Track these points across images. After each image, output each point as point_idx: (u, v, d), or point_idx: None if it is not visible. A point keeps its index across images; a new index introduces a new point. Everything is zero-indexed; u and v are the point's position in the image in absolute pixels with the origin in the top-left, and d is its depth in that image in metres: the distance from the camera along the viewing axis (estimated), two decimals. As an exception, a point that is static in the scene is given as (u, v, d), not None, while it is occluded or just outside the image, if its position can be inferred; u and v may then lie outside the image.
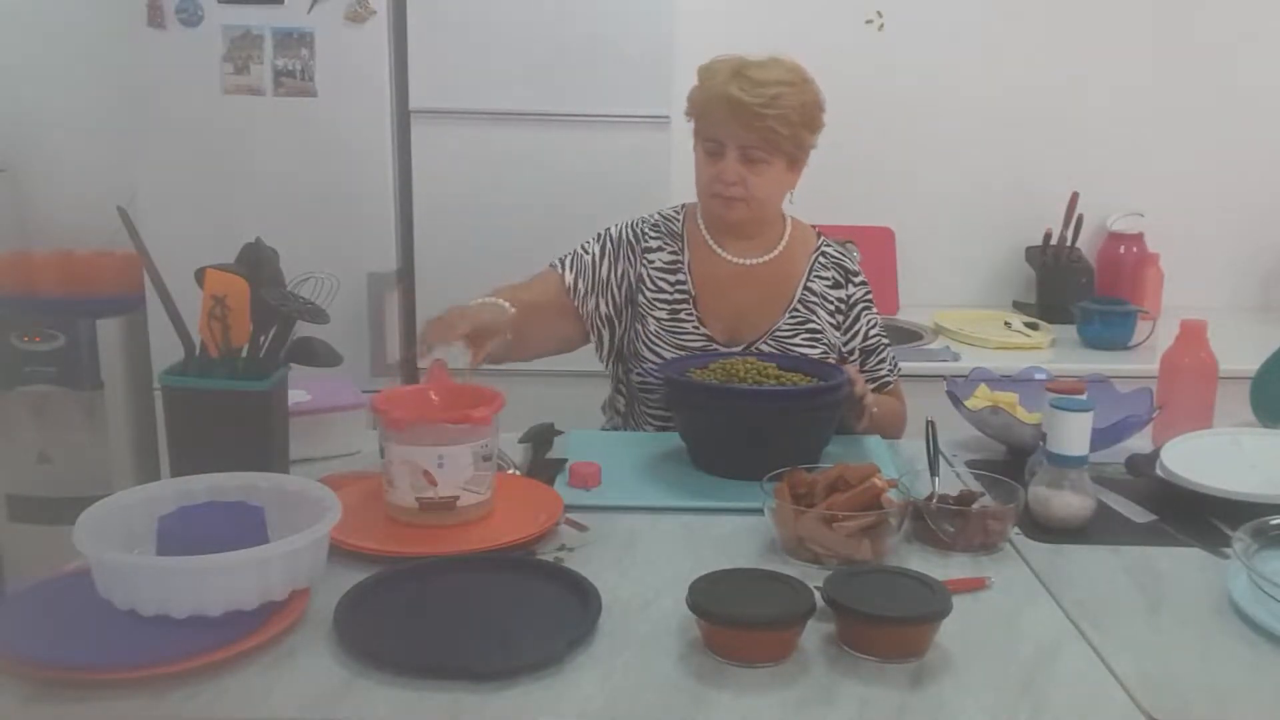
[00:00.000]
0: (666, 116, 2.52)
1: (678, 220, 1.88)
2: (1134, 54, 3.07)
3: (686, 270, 1.83)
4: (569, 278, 1.83)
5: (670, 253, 1.84)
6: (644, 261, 1.84)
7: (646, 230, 1.87)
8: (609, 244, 1.86)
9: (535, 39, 2.51)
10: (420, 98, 2.54)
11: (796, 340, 1.81)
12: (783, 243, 1.86)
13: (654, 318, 1.81)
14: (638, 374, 1.80)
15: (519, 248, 2.55)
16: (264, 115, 2.50)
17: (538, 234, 2.56)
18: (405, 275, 2.66)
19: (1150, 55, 3.07)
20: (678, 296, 1.82)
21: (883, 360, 1.90)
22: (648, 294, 1.82)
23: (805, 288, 1.85)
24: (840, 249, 1.92)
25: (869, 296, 1.91)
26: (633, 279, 1.84)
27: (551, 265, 1.86)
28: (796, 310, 1.83)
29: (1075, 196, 3.00)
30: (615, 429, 1.91)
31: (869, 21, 3.04)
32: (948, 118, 3.08)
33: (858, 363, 1.87)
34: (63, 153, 2.99)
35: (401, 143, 2.58)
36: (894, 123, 3.07)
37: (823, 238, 1.92)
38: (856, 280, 1.90)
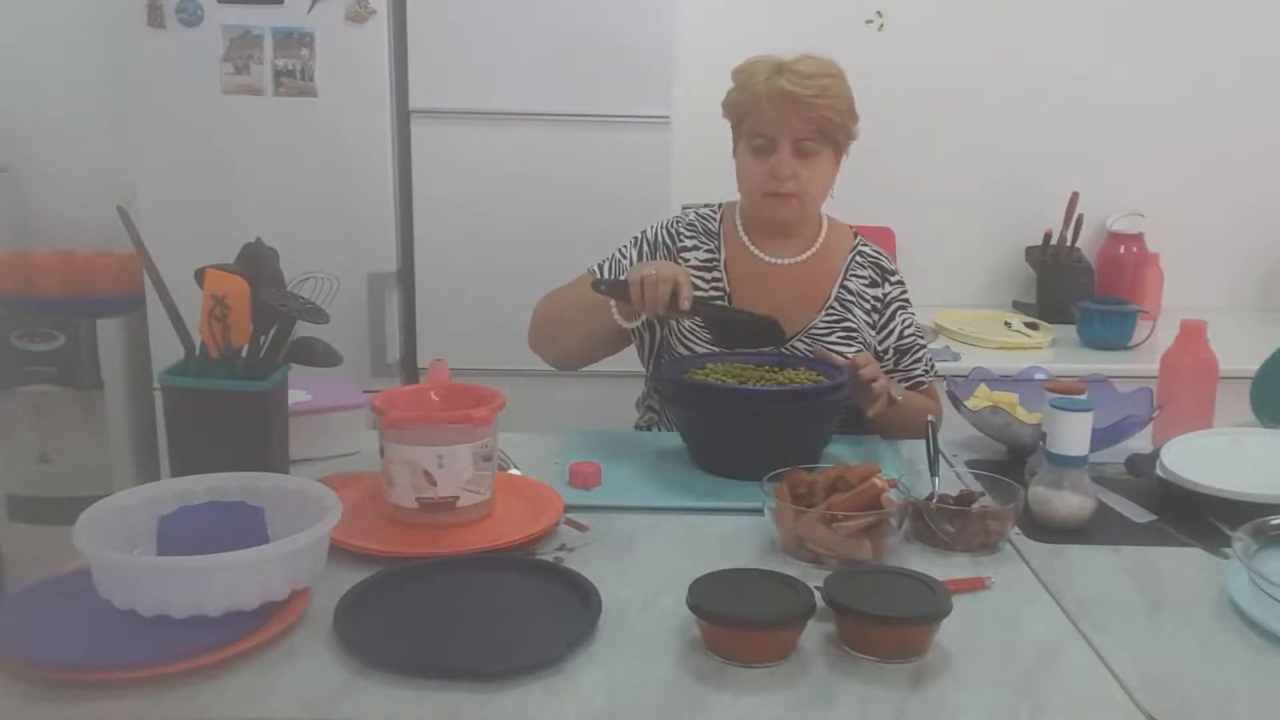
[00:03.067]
0: (666, 116, 2.52)
1: (714, 219, 1.89)
2: (1134, 54, 3.07)
3: (723, 268, 1.83)
4: None
5: (706, 251, 1.85)
6: (679, 260, 1.84)
7: (681, 230, 1.87)
8: (645, 247, 1.87)
9: (535, 39, 2.51)
10: (420, 98, 2.54)
11: (832, 339, 1.81)
12: (819, 241, 1.87)
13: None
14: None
15: (519, 248, 2.57)
16: (264, 115, 2.50)
17: (538, 234, 2.56)
18: (405, 275, 2.66)
19: (1151, 55, 3.07)
20: (713, 294, 1.82)
21: (917, 360, 1.89)
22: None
23: (842, 286, 1.85)
24: (878, 248, 1.92)
25: (905, 296, 1.90)
26: None
27: (591, 270, 1.86)
28: (833, 308, 1.83)
29: (1075, 196, 3.00)
30: (650, 425, 1.91)
31: (869, 21, 3.04)
32: (948, 118, 3.09)
33: (891, 361, 1.87)
34: (63, 153, 3.00)
35: (401, 143, 2.58)
36: (894, 123, 3.06)
37: (859, 237, 1.92)
38: (893, 279, 1.90)
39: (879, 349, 1.86)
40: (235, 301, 1.37)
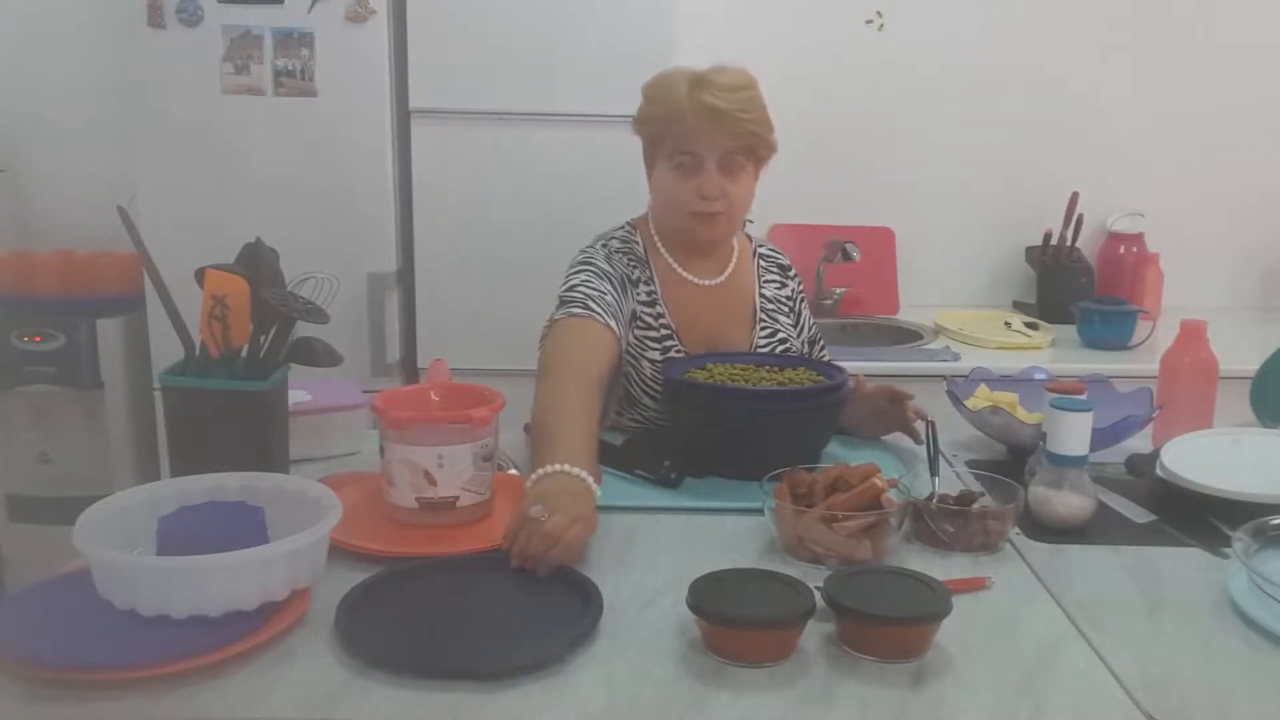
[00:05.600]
0: (666, 116, 2.52)
1: (637, 243, 1.78)
2: (1134, 54, 3.07)
3: (662, 303, 1.75)
4: (618, 328, 1.67)
5: (645, 284, 1.75)
6: (634, 295, 1.74)
7: (623, 265, 1.75)
8: (612, 282, 1.71)
9: (535, 39, 2.51)
10: (420, 98, 2.54)
11: (776, 352, 1.81)
12: (735, 256, 1.82)
13: (648, 360, 1.73)
14: (632, 420, 1.76)
15: (518, 248, 2.57)
16: (264, 115, 2.50)
17: (537, 234, 2.56)
18: (405, 275, 2.66)
19: (1150, 55, 3.07)
20: (663, 334, 1.74)
21: (823, 348, 1.92)
22: (637, 333, 1.73)
23: (761, 296, 1.83)
24: (771, 246, 1.91)
25: (802, 288, 1.92)
26: (628, 314, 1.74)
27: (591, 315, 1.63)
28: (763, 321, 1.81)
29: (1075, 196, 3.00)
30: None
31: (869, 21, 3.04)
32: (948, 118, 3.08)
33: (807, 354, 1.87)
34: (63, 153, 2.99)
35: (401, 143, 2.58)
36: (894, 123, 3.07)
37: (754, 238, 1.90)
38: (791, 274, 1.90)
39: (798, 342, 1.87)
40: (235, 301, 1.37)
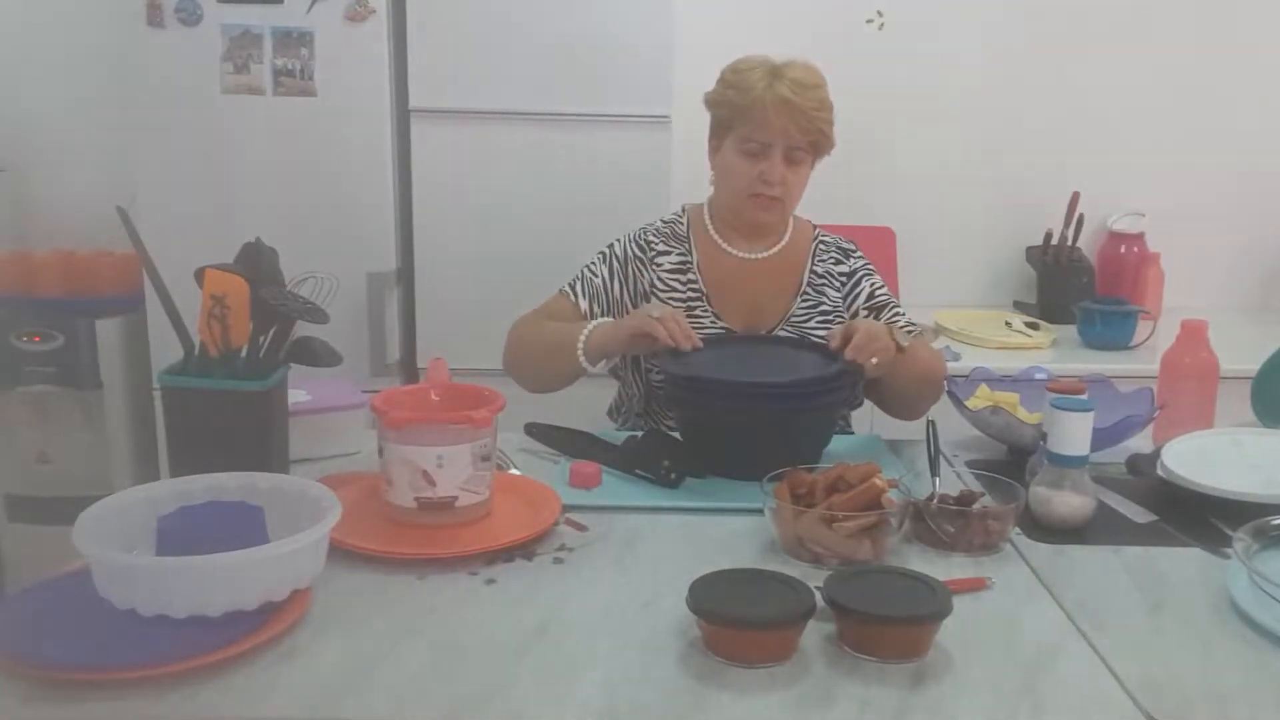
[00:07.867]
0: (666, 116, 2.52)
1: (681, 223, 1.91)
2: (1135, 54, 3.07)
3: (696, 270, 1.85)
4: (584, 305, 1.85)
5: (678, 255, 1.86)
6: (653, 266, 1.86)
7: (651, 238, 1.89)
8: (615, 263, 1.88)
9: (535, 39, 2.51)
10: (420, 98, 2.54)
11: (811, 324, 1.83)
12: (786, 236, 1.90)
13: None
14: (658, 371, 1.80)
15: (519, 248, 2.57)
16: (264, 115, 2.50)
17: (538, 234, 2.56)
18: (405, 275, 2.66)
19: (1151, 55, 3.07)
20: (691, 294, 1.83)
21: (896, 315, 1.87)
22: (660, 295, 1.84)
23: (811, 271, 1.88)
24: (835, 235, 1.96)
25: (870, 266, 1.93)
26: (645, 287, 1.85)
27: (562, 291, 1.87)
28: (807, 294, 1.86)
29: (1075, 196, 2.99)
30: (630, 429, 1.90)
31: (869, 21, 3.04)
32: (948, 118, 3.08)
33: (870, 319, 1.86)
34: (63, 153, 2.99)
35: (401, 143, 2.58)
36: (894, 123, 3.06)
37: (818, 229, 1.95)
38: (856, 254, 1.93)
39: (849, 314, 1.87)
40: (235, 301, 1.37)
